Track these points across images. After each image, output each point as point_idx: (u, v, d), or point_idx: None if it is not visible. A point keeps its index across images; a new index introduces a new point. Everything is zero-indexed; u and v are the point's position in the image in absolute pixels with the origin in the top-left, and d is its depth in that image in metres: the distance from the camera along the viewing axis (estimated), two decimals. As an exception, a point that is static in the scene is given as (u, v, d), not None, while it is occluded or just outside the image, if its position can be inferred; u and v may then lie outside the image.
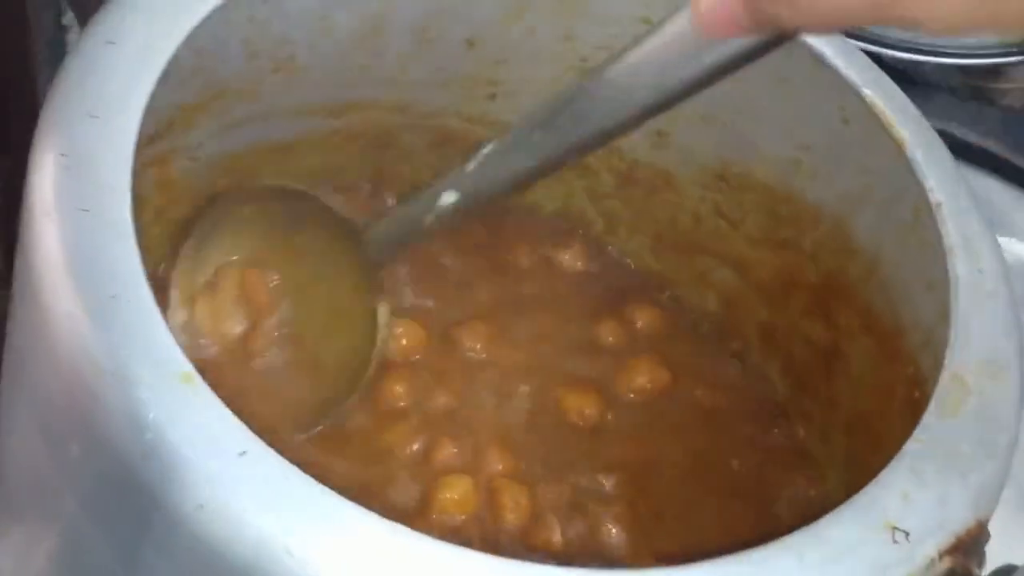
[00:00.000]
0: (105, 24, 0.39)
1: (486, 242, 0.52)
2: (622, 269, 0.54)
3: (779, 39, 0.33)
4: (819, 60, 0.45)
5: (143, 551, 0.33)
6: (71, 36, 0.57)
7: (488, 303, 0.51)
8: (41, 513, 0.37)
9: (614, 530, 0.45)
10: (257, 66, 0.44)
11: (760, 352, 0.52)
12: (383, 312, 0.46)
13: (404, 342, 0.48)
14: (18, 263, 0.36)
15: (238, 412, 0.32)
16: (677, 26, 0.35)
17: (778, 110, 0.47)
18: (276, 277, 0.46)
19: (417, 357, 0.48)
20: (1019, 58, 0.68)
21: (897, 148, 0.43)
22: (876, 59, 0.47)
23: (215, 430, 0.32)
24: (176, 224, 0.46)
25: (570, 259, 0.53)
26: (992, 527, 0.36)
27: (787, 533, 0.33)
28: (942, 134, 0.45)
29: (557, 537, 0.45)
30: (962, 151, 0.65)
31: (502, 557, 0.31)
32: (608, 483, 0.47)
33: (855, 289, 0.47)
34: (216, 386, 0.32)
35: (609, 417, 0.48)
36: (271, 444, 0.32)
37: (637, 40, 0.37)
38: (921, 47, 0.67)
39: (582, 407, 0.48)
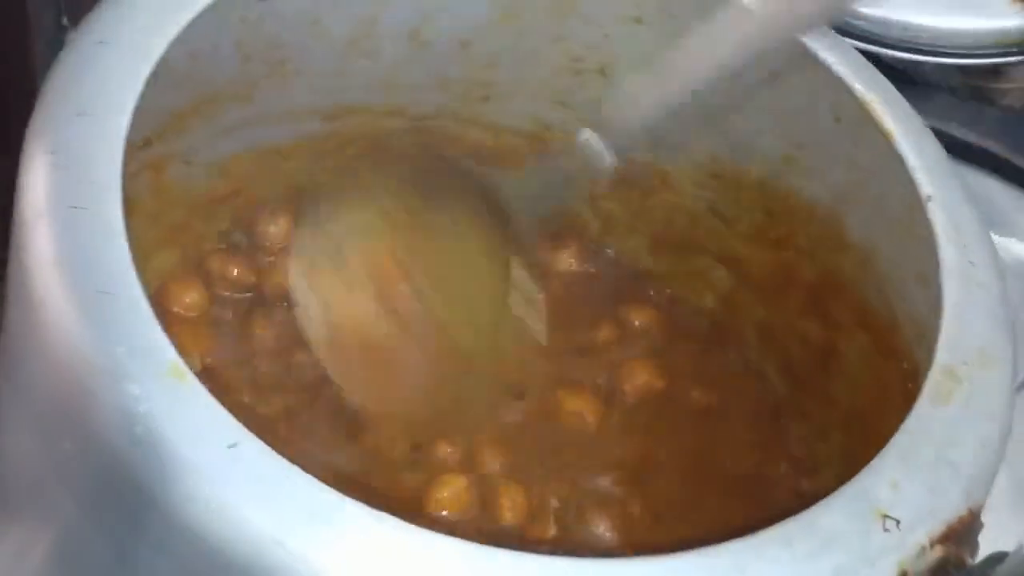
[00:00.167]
0: (97, 24, 0.39)
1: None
2: (619, 269, 0.54)
3: None
4: (812, 58, 0.45)
5: (138, 546, 0.33)
6: (71, 36, 0.57)
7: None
8: (37, 511, 0.38)
9: (612, 530, 0.45)
10: (250, 69, 0.45)
11: (758, 351, 0.52)
12: (516, 271, 0.46)
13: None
14: (11, 262, 0.36)
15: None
16: None
17: (771, 108, 0.47)
18: (404, 250, 0.45)
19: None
20: (1019, 58, 0.68)
21: (887, 143, 0.43)
22: (875, 59, 0.47)
23: (205, 422, 0.32)
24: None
25: (567, 260, 0.53)
26: (985, 516, 0.36)
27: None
28: (941, 134, 0.45)
29: (554, 536, 0.45)
30: (962, 151, 0.64)
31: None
32: (606, 482, 0.47)
33: (850, 285, 0.47)
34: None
35: (606, 417, 0.48)
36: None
37: None
38: (921, 47, 0.66)
39: (579, 407, 0.48)
